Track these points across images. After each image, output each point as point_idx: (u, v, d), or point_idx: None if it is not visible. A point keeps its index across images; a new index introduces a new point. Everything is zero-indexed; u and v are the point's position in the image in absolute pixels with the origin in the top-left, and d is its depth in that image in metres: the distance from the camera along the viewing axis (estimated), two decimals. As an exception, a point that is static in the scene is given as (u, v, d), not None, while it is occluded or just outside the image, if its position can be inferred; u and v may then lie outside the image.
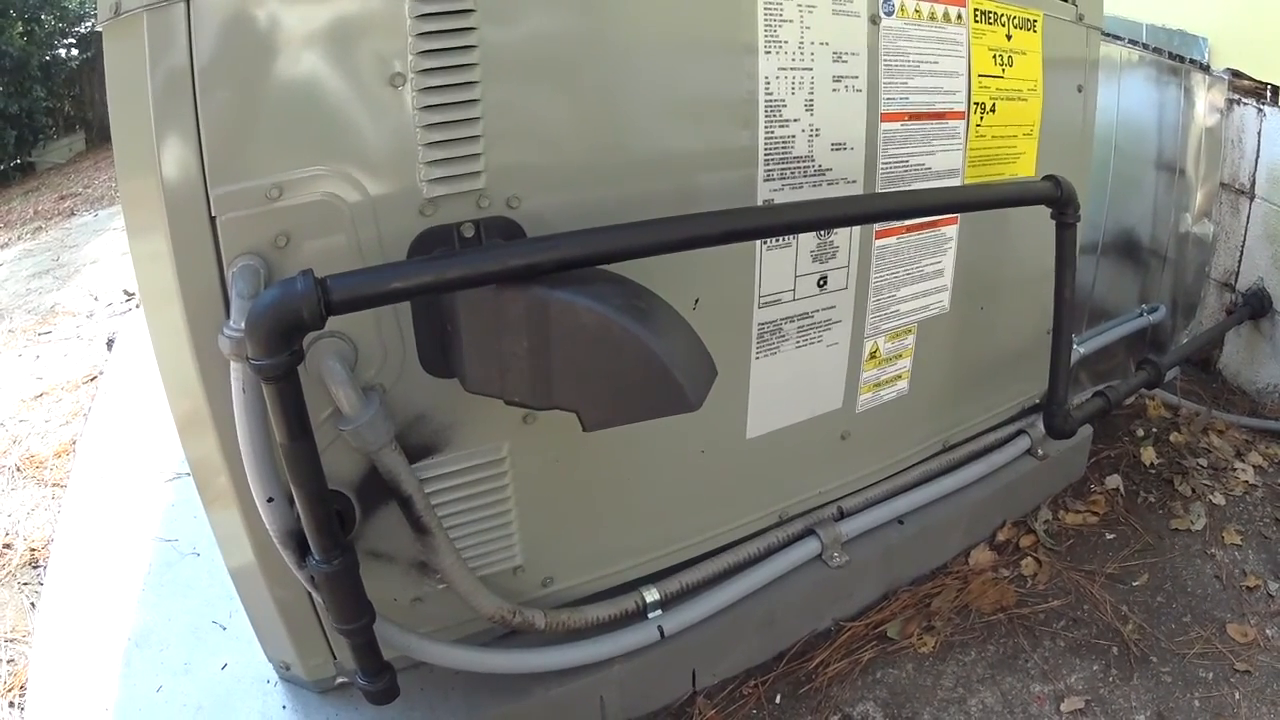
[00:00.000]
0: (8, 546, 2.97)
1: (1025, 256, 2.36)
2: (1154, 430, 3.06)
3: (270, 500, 1.41)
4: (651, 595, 1.94)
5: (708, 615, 2.00)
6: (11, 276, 6.66)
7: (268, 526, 1.43)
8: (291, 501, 1.39)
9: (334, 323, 1.33)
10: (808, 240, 1.89)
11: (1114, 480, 2.81)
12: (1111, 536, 2.59)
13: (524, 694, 1.86)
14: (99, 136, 11.26)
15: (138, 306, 5.04)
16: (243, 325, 1.24)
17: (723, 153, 1.74)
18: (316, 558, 1.41)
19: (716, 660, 2.10)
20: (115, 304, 5.44)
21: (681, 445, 1.91)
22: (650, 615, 1.94)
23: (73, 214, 8.48)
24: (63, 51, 11.75)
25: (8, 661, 2.42)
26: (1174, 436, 3.00)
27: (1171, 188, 3.30)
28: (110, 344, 4.33)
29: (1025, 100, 2.19)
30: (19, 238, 7.96)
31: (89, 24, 11.49)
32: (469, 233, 1.49)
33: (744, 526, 2.11)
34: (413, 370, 1.53)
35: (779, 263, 1.87)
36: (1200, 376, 3.45)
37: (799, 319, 1.95)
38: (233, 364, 1.32)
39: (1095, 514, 2.68)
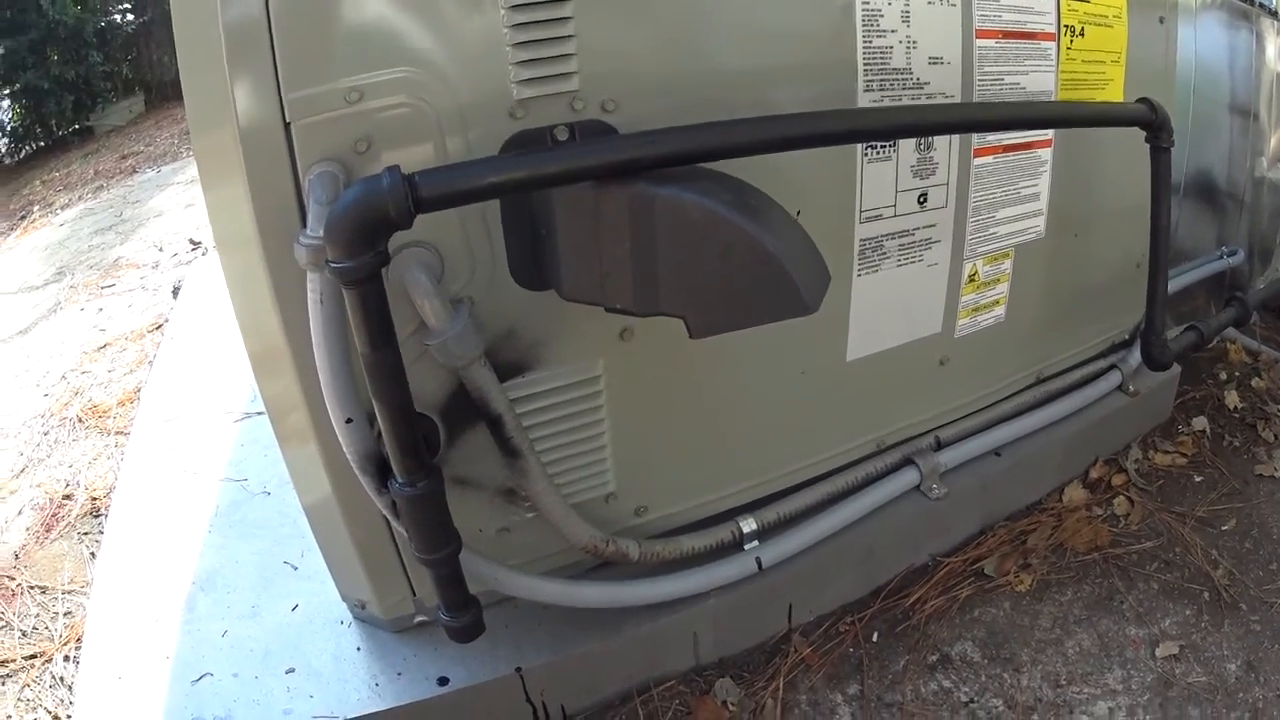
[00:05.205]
0: (68, 497, 2.95)
1: (1117, 187, 2.28)
2: (1236, 375, 2.98)
3: (349, 421, 1.34)
4: (749, 525, 1.88)
5: (806, 547, 1.94)
6: (73, 235, 6.68)
7: (346, 451, 1.37)
8: (372, 422, 1.32)
9: (419, 231, 1.26)
10: (908, 154, 1.82)
11: (1200, 422, 2.73)
12: (1200, 479, 2.53)
13: (613, 630, 1.80)
14: (158, 97, 11.33)
15: (204, 255, 5.03)
16: (321, 231, 1.16)
17: (823, 62, 1.65)
18: (400, 480, 1.34)
19: (813, 595, 2.04)
20: (180, 254, 5.41)
21: (782, 365, 1.83)
22: (747, 546, 1.88)
23: (134, 171, 8.49)
24: (118, 16, 11.82)
25: (65, 614, 2.40)
26: (1255, 382, 2.93)
27: (1247, 133, 3.20)
28: (176, 292, 4.33)
29: (1111, 27, 2.12)
30: (80, 198, 7.99)
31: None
32: (563, 136, 1.41)
33: (842, 455, 2.04)
34: (503, 282, 1.46)
35: (880, 176, 1.79)
36: (1277, 324, 3.37)
37: (900, 236, 1.86)
38: (309, 275, 1.25)
39: (1184, 455, 2.61)
